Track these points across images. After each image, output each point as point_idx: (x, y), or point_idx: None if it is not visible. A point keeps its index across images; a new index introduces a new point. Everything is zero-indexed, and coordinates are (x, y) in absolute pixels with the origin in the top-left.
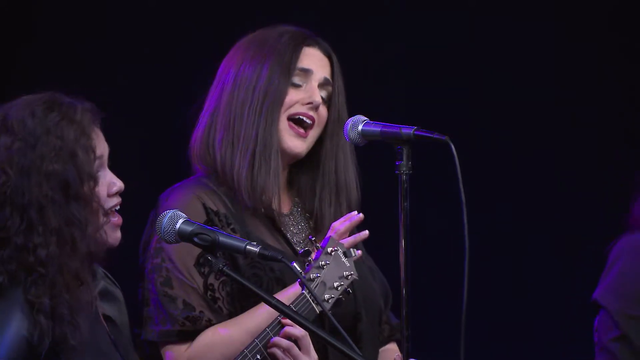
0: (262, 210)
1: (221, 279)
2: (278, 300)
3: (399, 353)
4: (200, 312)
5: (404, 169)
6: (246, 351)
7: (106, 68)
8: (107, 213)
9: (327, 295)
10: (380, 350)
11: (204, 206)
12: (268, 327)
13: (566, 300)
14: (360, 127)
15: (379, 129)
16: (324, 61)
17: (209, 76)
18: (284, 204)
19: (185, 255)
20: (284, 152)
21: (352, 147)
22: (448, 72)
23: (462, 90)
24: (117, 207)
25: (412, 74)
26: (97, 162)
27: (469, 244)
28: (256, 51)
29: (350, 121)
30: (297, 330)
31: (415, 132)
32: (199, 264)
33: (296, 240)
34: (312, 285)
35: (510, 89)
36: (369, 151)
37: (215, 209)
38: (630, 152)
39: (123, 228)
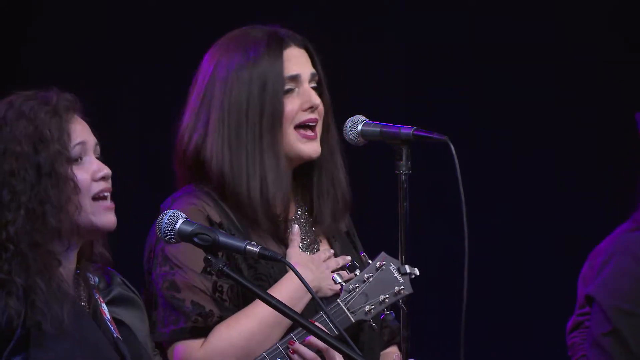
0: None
1: (230, 283)
2: (278, 301)
3: (398, 353)
4: (210, 310)
5: (404, 168)
6: (265, 354)
7: (106, 68)
8: (95, 197)
9: (369, 307)
10: (381, 353)
11: (207, 218)
12: (293, 332)
13: (566, 300)
14: (359, 127)
15: (379, 129)
16: (304, 56)
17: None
18: (290, 209)
19: (193, 262)
20: (299, 159)
21: (338, 136)
22: (448, 72)
23: (462, 90)
24: (107, 193)
25: (412, 74)
26: (78, 147)
27: (469, 244)
28: (238, 67)
29: (349, 121)
30: (320, 343)
31: (414, 132)
32: (206, 271)
33: (300, 246)
34: (350, 296)
35: (510, 89)
36: (369, 151)
37: (218, 220)
38: (630, 152)
39: (122, 229)
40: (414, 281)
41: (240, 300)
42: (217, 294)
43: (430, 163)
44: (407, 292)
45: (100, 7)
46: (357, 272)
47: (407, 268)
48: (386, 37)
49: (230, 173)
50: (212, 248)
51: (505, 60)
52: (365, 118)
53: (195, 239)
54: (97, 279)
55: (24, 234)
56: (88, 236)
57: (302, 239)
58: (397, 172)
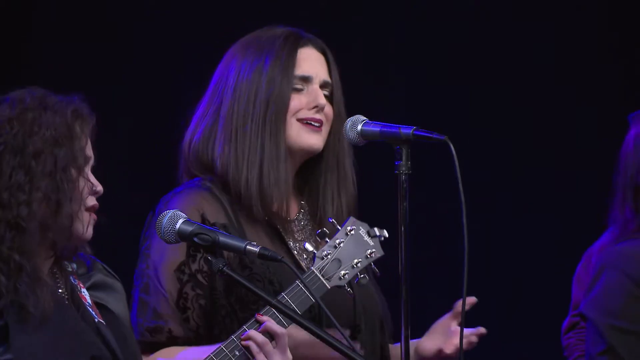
0: (267, 218)
1: (197, 292)
2: (278, 300)
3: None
4: (165, 321)
5: (404, 169)
6: (223, 346)
7: (107, 68)
8: (87, 208)
9: (343, 272)
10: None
11: (202, 217)
12: (245, 324)
13: (566, 300)
14: (359, 127)
15: (378, 129)
16: (321, 60)
17: (210, 78)
18: (291, 209)
19: (169, 262)
20: (301, 152)
21: (350, 147)
22: (448, 72)
23: (462, 90)
24: (93, 208)
25: (412, 74)
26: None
27: (468, 244)
28: (252, 59)
29: (349, 121)
30: (276, 327)
31: (414, 132)
32: (179, 270)
33: (299, 247)
34: (323, 263)
35: (510, 89)
36: (369, 151)
37: (213, 221)
38: None
39: (122, 232)
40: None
41: (207, 311)
42: (181, 301)
43: (430, 163)
44: (378, 255)
45: (100, 7)
46: (327, 239)
47: (377, 230)
48: (386, 37)
49: (234, 162)
50: (212, 248)
51: (505, 60)
52: (365, 118)
53: (195, 239)
54: (74, 265)
55: (37, 216)
56: (67, 241)
57: (299, 240)
58: (397, 172)
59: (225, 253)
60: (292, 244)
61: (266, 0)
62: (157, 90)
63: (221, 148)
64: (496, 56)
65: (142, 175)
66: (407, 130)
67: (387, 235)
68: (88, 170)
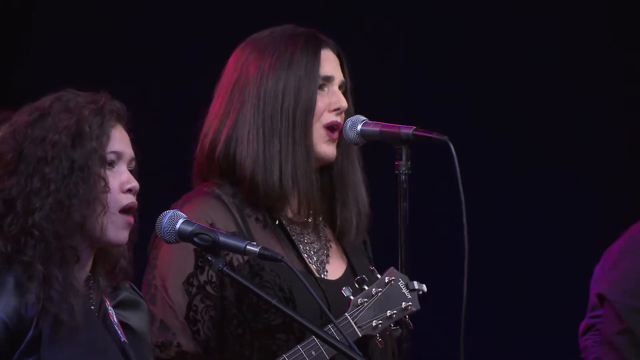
0: (278, 222)
1: (206, 304)
2: (278, 301)
3: None
4: (173, 334)
5: (403, 169)
6: None
7: (107, 68)
8: (122, 210)
9: (376, 322)
10: None
11: (212, 227)
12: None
13: (566, 300)
14: (359, 127)
15: (378, 129)
16: (337, 61)
17: (210, 77)
18: (302, 213)
19: (177, 274)
20: (318, 159)
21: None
22: (448, 72)
23: (462, 90)
24: (130, 209)
25: (412, 74)
26: (112, 154)
27: (468, 244)
28: (274, 58)
29: (349, 121)
30: None
31: (414, 132)
32: (188, 282)
33: (309, 251)
34: (358, 310)
35: (510, 89)
36: (369, 151)
37: (224, 230)
38: (630, 152)
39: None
40: (415, 278)
41: (217, 322)
42: (190, 314)
43: (430, 162)
44: (414, 309)
45: (100, 7)
46: (365, 286)
47: (416, 284)
48: (386, 37)
49: (263, 162)
50: (212, 248)
51: (505, 60)
52: (365, 118)
53: (195, 239)
54: (105, 282)
55: (49, 222)
56: (97, 244)
57: (308, 243)
58: (396, 172)
59: (236, 263)
60: (302, 248)
61: (266, 0)
62: (157, 90)
63: (247, 149)
64: (496, 56)
65: (142, 175)
66: (407, 130)
67: (425, 289)
68: (120, 167)
